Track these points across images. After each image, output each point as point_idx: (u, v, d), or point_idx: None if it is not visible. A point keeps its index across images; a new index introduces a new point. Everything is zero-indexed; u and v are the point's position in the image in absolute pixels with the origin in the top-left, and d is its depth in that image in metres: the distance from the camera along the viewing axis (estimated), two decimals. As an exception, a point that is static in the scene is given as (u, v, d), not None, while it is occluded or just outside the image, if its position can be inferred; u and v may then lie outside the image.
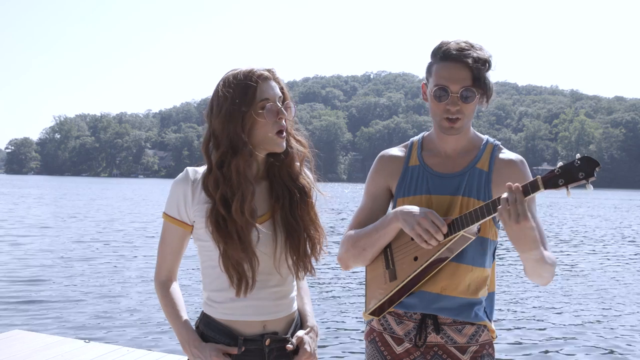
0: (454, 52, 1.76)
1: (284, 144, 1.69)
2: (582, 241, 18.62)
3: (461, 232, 1.70)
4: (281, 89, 1.72)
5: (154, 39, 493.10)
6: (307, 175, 1.80)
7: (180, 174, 1.74)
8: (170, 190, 1.73)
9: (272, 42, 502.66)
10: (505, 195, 1.57)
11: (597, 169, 1.47)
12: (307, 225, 1.74)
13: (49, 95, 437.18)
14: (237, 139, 1.64)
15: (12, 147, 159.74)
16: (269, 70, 1.70)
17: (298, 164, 1.76)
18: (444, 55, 1.78)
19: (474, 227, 1.72)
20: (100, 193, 47.74)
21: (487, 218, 1.66)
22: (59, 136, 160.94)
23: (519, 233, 1.56)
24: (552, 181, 1.52)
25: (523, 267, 1.76)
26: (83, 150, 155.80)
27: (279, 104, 1.67)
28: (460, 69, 1.75)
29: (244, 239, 1.62)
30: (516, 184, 1.57)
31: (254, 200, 1.65)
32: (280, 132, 1.67)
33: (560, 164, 1.52)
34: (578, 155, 1.51)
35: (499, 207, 1.58)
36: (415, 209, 1.75)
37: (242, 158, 1.64)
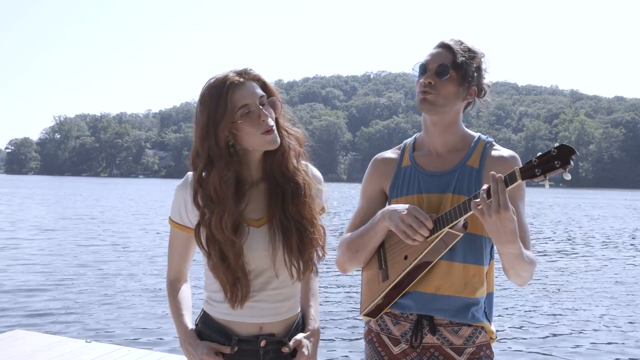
0: (444, 40, 1.85)
1: (277, 140, 1.67)
2: (583, 241, 18.62)
3: (446, 229, 1.69)
4: (263, 85, 1.69)
5: (153, 39, 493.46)
6: (305, 172, 1.77)
7: (182, 179, 1.76)
8: (173, 196, 1.77)
9: (272, 42, 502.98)
10: (485, 186, 1.57)
11: (573, 156, 1.49)
12: (304, 225, 1.71)
13: (49, 95, 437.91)
14: (213, 155, 1.64)
15: (12, 147, 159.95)
16: (242, 74, 1.66)
17: (294, 160, 1.73)
18: (436, 44, 1.87)
19: (460, 223, 1.71)
20: (103, 194, 47.72)
21: (472, 212, 1.64)
22: (59, 136, 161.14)
23: (499, 225, 1.55)
24: (529, 171, 1.54)
25: (501, 265, 1.75)
26: (83, 150, 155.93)
27: (259, 106, 1.64)
28: (443, 52, 1.82)
29: (226, 256, 1.63)
30: (499, 174, 1.57)
31: (232, 215, 1.63)
32: (267, 132, 1.64)
33: (538, 154, 1.55)
34: (555, 144, 1.53)
35: (476, 200, 1.58)
36: (399, 206, 1.77)
37: (217, 173, 1.63)
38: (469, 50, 1.82)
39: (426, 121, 1.91)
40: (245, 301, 1.67)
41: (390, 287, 1.80)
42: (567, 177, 1.52)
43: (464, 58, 1.80)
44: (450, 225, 1.69)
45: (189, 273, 1.88)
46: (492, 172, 1.58)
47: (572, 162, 1.49)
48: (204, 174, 1.66)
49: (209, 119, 1.62)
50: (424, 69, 1.83)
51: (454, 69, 1.80)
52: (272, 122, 1.65)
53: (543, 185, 1.56)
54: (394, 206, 1.80)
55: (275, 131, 1.66)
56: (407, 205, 1.76)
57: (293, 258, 1.70)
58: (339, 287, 9.86)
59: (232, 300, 1.66)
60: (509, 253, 1.64)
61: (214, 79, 1.66)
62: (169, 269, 1.83)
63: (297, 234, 1.70)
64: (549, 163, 1.51)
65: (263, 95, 1.66)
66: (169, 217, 1.79)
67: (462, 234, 1.73)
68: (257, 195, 1.73)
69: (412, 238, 1.71)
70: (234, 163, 1.67)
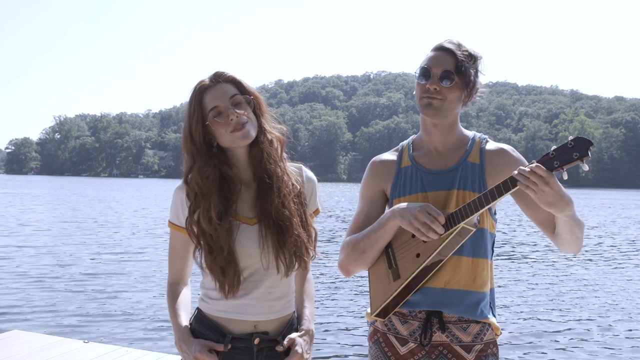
0: (444, 43, 1.86)
1: (249, 135, 1.71)
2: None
3: (461, 224, 1.70)
4: (239, 85, 1.74)
5: (154, 39, 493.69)
6: (286, 170, 1.79)
7: (179, 182, 1.80)
8: (172, 199, 1.80)
9: (272, 42, 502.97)
10: (515, 172, 1.59)
11: (591, 147, 1.50)
12: (284, 221, 1.72)
13: (49, 95, 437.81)
14: (194, 154, 1.73)
15: (12, 147, 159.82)
16: (214, 77, 1.73)
17: (273, 157, 1.76)
18: (435, 47, 1.87)
19: (474, 219, 1.73)
20: (105, 194, 47.69)
21: (488, 206, 1.67)
22: (59, 136, 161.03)
23: (554, 194, 1.56)
24: (547, 164, 1.55)
25: (558, 237, 1.78)
26: (83, 150, 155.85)
27: (230, 106, 1.70)
28: (445, 56, 1.83)
29: (213, 247, 1.68)
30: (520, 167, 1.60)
31: (217, 208, 1.68)
32: (236, 130, 1.69)
33: (553, 147, 1.56)
34: (570, 137, 1.54)
35: (519, 182, 1.58)
36: (411, 204, 1.78)
37: (197, 170, 1.71)
38: (470, 55, 1.83)
39: (426, 122, 1.92)
40: (236, 291, 1.69)
41: (403, 286, 1.79)
42: (585, 167, 1.55)
43: (466, 63, 1.81)
44: (466, 221, 1.70)
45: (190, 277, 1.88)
46: (520, 167, 1.59)
47: (590, 154, 1.50)
48: (189, 174, 1.73)
49: (188, 122, 1.72)
50: (426, 72, 1.83)
51: (457, 74, 1.80)
52: (243, 119, 1.69)
53: (561, 177, 1.58)
54: (404, 204, 1.79)
55: (247, 127, 1.70)
56: (418, 203, 1.78)
57: (280, 253, 1.72)
58: (341, 285, 9.86)
59: (223, 289, 1.69)
60: (570, 216, 1.65)
61: (194, 85, 1.75)
62: (170, 271, 1.85)
63: (277, 229, 1.72)
64: (566, 155, 1.53)
65: (235, 95, 1.71)
66: (169, 220, 1.82)
67: (475, 229, 1.75)
68: (250, 195, 1.76)
69: (426, 235, 1.71)
70: (217, 162, 1.72)
